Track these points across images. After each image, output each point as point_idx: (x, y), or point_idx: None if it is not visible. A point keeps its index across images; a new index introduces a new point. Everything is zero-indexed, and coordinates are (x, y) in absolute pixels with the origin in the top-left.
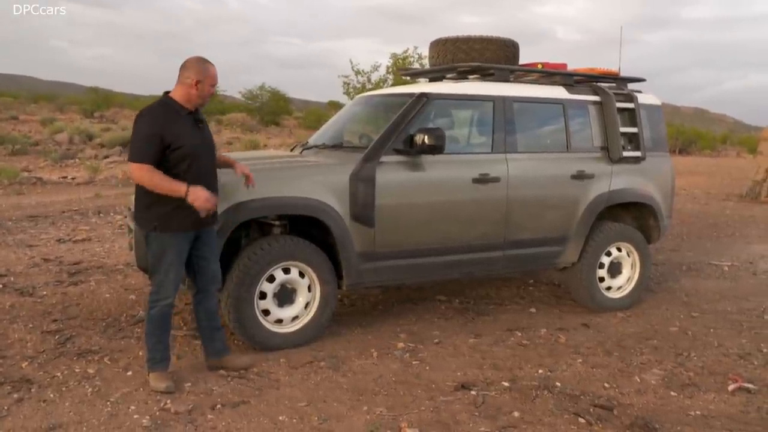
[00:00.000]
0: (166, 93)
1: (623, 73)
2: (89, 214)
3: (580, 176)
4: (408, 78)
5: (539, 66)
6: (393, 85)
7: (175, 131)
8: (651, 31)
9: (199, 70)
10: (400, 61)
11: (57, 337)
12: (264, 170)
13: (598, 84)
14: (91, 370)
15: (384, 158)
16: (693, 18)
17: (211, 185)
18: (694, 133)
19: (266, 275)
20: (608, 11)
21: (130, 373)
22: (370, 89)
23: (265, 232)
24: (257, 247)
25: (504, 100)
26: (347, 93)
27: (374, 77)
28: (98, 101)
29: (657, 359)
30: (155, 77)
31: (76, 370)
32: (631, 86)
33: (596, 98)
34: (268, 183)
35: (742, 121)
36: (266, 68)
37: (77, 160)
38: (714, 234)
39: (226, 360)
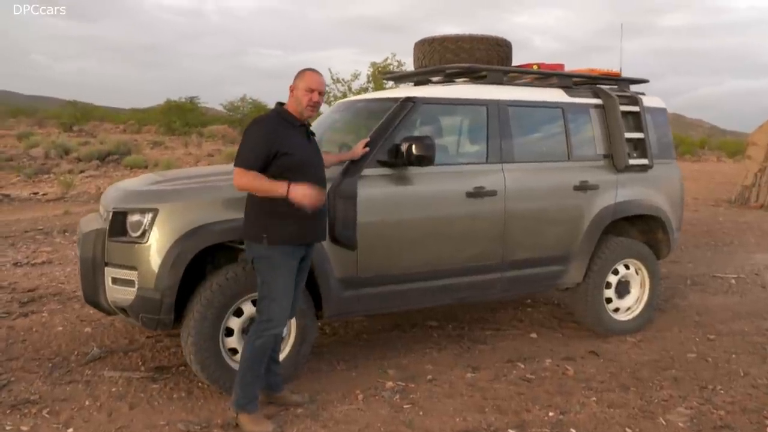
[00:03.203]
0: (280, 103)
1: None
2: (54, 233)
3: (583, 187)
4: (391, 83)
5: (535, 67)
6: None
7: (286, 139)
8: (628, 39)
9: (296, 76)
10: (380, 69)
11: None
12: (229, 187)
13: (599, 86)
14: (25, 428)
15: (366, 171)
16: (668, 26)
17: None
18: (675, 139)
19: (233, 308)
20: (584, 20)
21: (70, 430)
22: None
23: (232, 259)
24: (222, 276)
25: (498, 104)
26: (327, 102)
27: (355, 86)
28: (77, 115)
29: (680, 394)
30: (137, 90)
31: (8, 428)
32: (633, 88)
33: (598, 101)
34: (234, 202)
35: (718, 126)
36: (248, 80)
37: (52, 175)
38: (712, 243)
39: (279, 397)
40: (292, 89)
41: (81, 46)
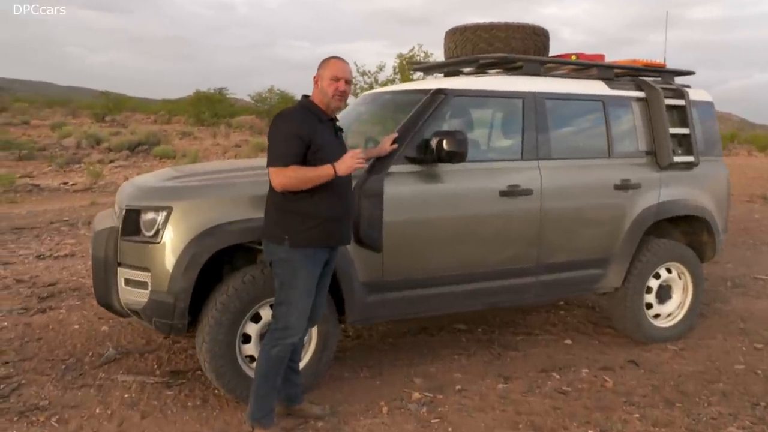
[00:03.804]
0: (306, 96)
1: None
2: (79, 225)
3: (624, 186)
4: (419, 75)
5: (573, 57)
6: None
7: (314, 134)
8: (656, 32)
9: (319, 65)
10: (406, 60)
11: (2, 386)
12: (248, 184)
13: (643, 78)
14: None
15: (393, 168)
16: (698, 18)
17: (349, 202)
18: None
19: (250, 313)
20: (612, 12)
21: None
22: None
23: (250, 260)
24: (238, 279)
25: (535, 96)
26: (354, 94)
27: (381, 78)
28: (109, 105)
29: (730, 411)
30: (167, 81)
31: None
32: (677, 80)
33: (640, 94)
34: (253, 200)
35: (747, 120)
36: (276, 71)
37: (82, 164)
38: (750, 241)
39: (298, 409)
40: (316, 80)
41: (114, 39)
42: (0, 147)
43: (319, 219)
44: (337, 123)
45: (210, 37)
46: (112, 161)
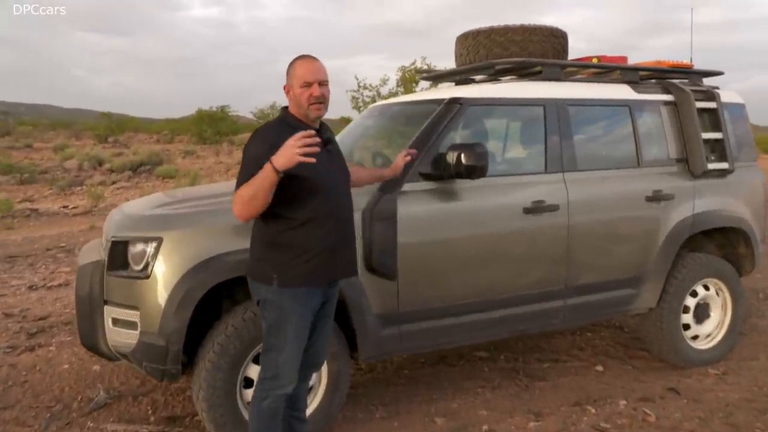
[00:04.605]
0: (285, 108)
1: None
2: (75, 251)
3: (656, 197)
4: (424, 85)
5: (594, 60)
6: None
7: None
8: (655, 37)
9: (286, 72)
10: (408, 72)
11: None
12: None
13: (670, 80)
14: None
15: (407, 186)
16: (696, 23)
17: (349, 228)
18: None
19: (252, 354)
20: (612, 20)
21: None
22: None
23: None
24: (238, 317)
25: (557, 104)
26: (356, 108)
27: (384, 91)
28: (112, 126)
29: None
30: (170, 101)
31: None
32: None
33: (669, 98)
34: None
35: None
36: (278, 87)
37: (84, 187)
38: None
39: None
40: (287, 90)
41: (116, 60)
42: (1, 171)
43: (313, 251)
44: (327, 132)
45: (212, 56)
46: (114, 182)
